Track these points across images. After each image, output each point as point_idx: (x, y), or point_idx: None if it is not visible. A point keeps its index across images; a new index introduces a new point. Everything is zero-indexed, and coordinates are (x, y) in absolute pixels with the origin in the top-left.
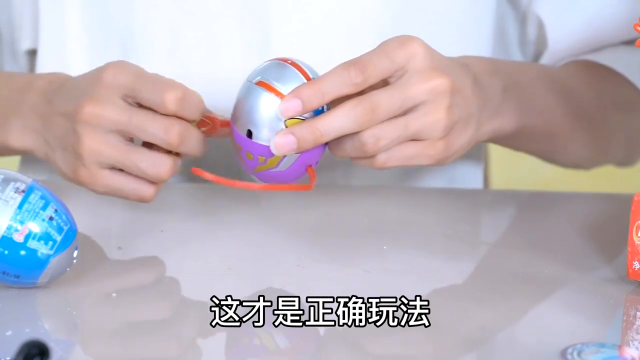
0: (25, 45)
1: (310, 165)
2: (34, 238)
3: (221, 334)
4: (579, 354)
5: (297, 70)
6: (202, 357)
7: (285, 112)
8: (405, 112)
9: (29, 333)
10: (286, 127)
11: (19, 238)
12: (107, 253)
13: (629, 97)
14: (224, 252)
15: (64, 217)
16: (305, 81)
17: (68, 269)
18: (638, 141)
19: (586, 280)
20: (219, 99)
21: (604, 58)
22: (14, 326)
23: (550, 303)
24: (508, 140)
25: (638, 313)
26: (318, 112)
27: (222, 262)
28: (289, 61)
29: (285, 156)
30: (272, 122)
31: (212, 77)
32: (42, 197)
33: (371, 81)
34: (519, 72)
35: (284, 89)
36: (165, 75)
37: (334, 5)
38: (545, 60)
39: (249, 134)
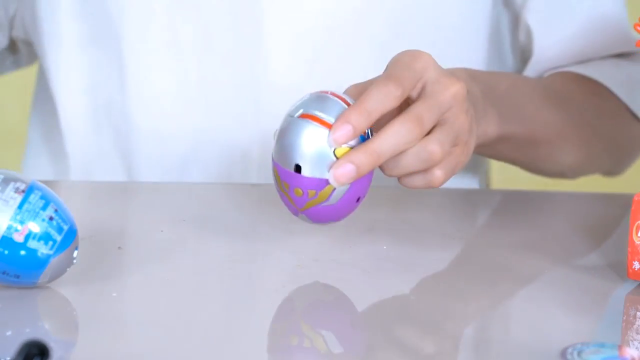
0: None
1: (360, 197)
2: (34, 238)
3: (219, 334)
4: (579, 354)
5: (338, 99)
6: (202, 357)
7: (338, 140)
8: (439, 122)
9: (29, 333)
10: (336, 157)
11: (19, 238)
12: (107, 253)
13: (613, 108)
14: (224, 252)
15: (64, 217)
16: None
17: (68, 269)
18: (622, 151)
19: (586, 281)
20: (214, 97)
21: (589, 70)
22: (14, 326)
23: (550, 303)
24: (491, 147)
25: (638, 313)
26: (363, 139)
27: (222, 262)
28: (328, 92)
29: (335, 188)
30: (321, 153)
31: (207, 75)
32: (42, 197)
33: (406, 92)
34: (494, 80)
35: (329, 118)
36: (161, 71)
37: (328, 5)
38: (530, 68)
39: (297, 168)
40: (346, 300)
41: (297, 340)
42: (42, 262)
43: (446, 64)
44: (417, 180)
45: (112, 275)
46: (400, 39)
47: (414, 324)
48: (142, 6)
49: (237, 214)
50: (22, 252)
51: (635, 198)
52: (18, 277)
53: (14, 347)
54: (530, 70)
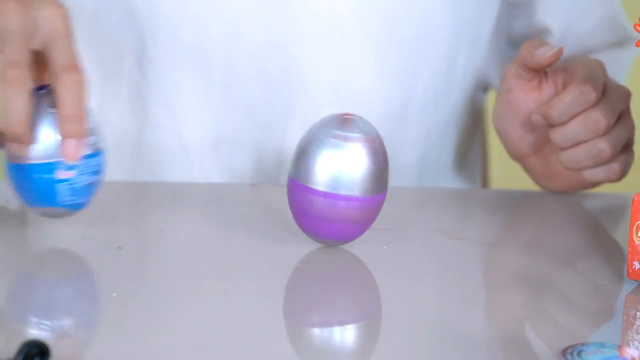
0: None
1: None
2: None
3: (219, 334)
4: (579, 354)
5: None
6: (202, 356)
7: None
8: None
9: (29, 333)
10: None
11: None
12: (107, 253)
13: None
14: (224, 252)
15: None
16: None
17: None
18: None
19: (586, 280)
20: (240, 98)
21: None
22: (14, 326)
23: (550, 303)
24: None
25: (638, 313)
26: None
27: (222, 262)
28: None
29: None
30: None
31: (235, 75)
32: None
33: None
34: None
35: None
36: (186, 69)
37: (361, 7)
38: None
39: None
40: (346, 300)
41: (296, 340)
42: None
43: (470, 67)
44: (600, 174)
45: (112, 275)
46: (430, 44)
47: (414, 323)
48: (172, 2)
49: (237, 214)
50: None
51: (635, 198)
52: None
53: (14, 347)
54: None
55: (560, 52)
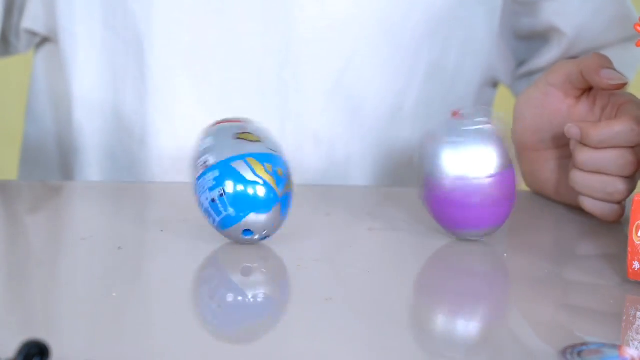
0: (26, 24)
1: None
2: None
3: (219, 334)
4: (579, 354)
5: None
6: (202, 356)
7: None
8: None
9: (29, 333)
10: None
11: None
12: (107, 253)
13: None
14: (224, 253)
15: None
16: None
17: None
18: None
19: (586, 280)
20: (237, 103)
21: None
22: (14, 326)
23: (550, 303)
24: None
25: (638, 313)
26: None
27: (222, 263)
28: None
29: None
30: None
31: (231, 80)
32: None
33: None
34: None
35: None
36: (183, 74)
37: (356, 11)
38: (557, 48)
39: None
40: (346, 301)
41: (296, 340)
42: None
43: (468, 67)
44: (599, 207)
45: (112, 275)
46: (424, 47)
47: (414, 323)
48: (168, 7)
49: None
50: None
51: (635, 198)
52: None
53: (14, 347)
54: (558, 51)
55: (623, 85)
